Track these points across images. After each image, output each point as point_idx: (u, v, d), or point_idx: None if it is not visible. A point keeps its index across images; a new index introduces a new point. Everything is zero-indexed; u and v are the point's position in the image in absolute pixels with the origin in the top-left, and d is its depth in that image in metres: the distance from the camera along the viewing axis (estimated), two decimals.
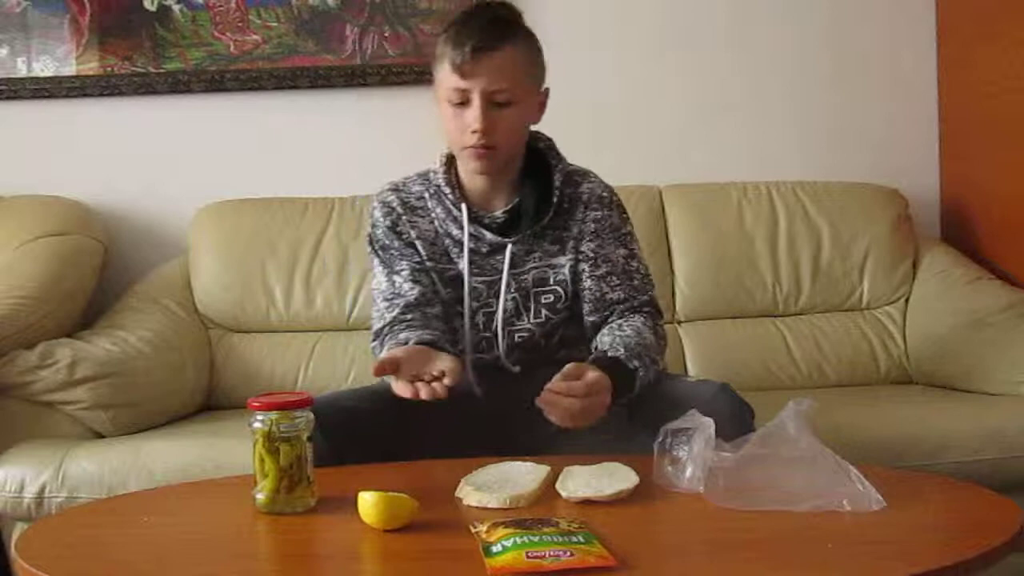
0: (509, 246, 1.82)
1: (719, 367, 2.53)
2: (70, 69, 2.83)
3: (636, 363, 1.68)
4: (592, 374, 1.59)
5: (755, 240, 2.69)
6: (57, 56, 2.84)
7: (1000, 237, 2.70)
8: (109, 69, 2.84)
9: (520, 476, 1.48)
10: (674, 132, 2.91)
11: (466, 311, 1.82)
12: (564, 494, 1.43)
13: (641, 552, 1.24)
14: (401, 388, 1.56)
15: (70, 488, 2.07)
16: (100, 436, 2.26)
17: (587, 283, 1.83)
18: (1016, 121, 2.56)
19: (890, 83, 2.92)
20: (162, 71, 2.84)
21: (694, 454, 1.43)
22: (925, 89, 2.92)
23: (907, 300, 2.68)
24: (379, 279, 1.86)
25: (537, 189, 1.84)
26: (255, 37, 2.85)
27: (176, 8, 2.83)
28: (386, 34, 2.86)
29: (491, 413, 1.76)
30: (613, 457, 1.54)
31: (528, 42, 1.80)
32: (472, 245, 1.82)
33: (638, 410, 1.68)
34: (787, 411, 1.43)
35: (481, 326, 1.84)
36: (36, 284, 2.42)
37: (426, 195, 1.87)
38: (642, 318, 1.79)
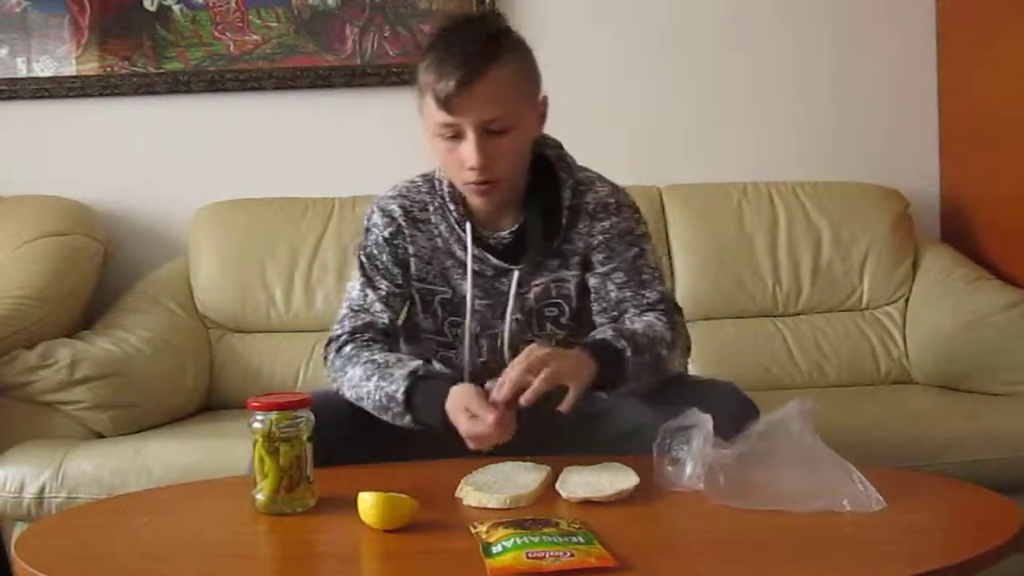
0: (516, 272, 1.73)
1: (719, 367, 2.53)
2: (70, 69, 2.84)
3: (623, 343, 1.59)
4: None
5: (755, 240, 2.69)
6: (57, 56, 2.84)
7: (1000, 237, 2.69)
8: (109, 69, 2.84)
9: (520, 476, 1.48)
10: (674, 132, 2.91)
11: (467, 336, 1.76)
12: (564, 494, 1.43)
13: (641, 552, 1.24)
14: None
15: (70, 488, 2.07)
16: (100, 436, 2.26)
17: (592, 281, 1.74)
18: (1016, 121, 2.56)
19: (890, 83, 2.92)
20: (162, 71, 2.84)
21: (694, 451, 1.43)
22: (925, 89, 2.92)
23: (907, 300, 2.68)
24: (354, 284, 1.78)
25: (544, 205, 1.73)
26: (255, 37, 2.85)
27: (176, 8, 2.83)
28: (386, 34, 2.86)
29: None
30: (613, 457, 1.54)
31: (517, 55, 1.66)
32: (476, 268, 1.74)
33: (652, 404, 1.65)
34: (789, 410, 1.43)
35: (480, 351, 1.76)
36: (36, 284, 2.42)
37: (431, 207, 1.76)
38: (655, 315, 1.68)
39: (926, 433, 2.11)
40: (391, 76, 2.85)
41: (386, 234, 1.76)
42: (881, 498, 1.34)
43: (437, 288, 1.77)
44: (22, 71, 2.84)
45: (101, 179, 2.85)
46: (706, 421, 1.43)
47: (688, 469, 1.43)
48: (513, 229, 1.75)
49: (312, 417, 1.45)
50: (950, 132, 2.89)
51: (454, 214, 1.74)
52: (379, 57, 2.86)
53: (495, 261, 1.74)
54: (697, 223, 2.69)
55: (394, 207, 1.77)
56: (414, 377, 1.61)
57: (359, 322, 1.74)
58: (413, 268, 1.76)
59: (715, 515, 1.36)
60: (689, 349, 1.79)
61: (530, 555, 1.17)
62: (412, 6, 2.85)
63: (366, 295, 1.75)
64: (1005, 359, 2.34)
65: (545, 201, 1.74)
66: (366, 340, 1.72)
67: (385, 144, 2.86)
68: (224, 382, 2.59)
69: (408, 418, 1.61)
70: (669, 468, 1.45)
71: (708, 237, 2.68)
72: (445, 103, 1.60)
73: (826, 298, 2.68)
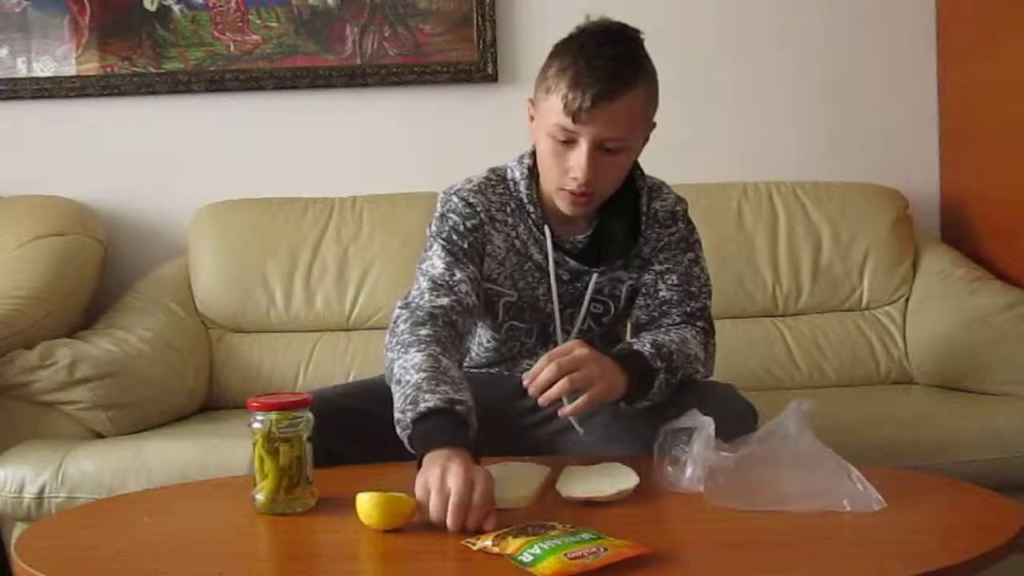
0: (595, 276, 1.73)
1: (719, 367, 2.51)
2: (70, 69, 2.84)
3: (659, 363, 1.60)
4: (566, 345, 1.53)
5: (755, 240, 2.69)
6: (57, 56, 2.84)
7: (1000, 237, 2.69)
8: (109, 69, 2.84)
9: (520, 476, 1.48)
10: (674, 132, 2.89)
11: (559, 334, 1.74)
12: (564, 494, 1.43)
13: None
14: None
15: (70, 488, 2.07)
16: (100, 436, 2.26)
17: (646, 277, 1.76)
18: (1016, 122, 2.56)
19: (890, 83, 2.92)
20: (162, 71, 2.84)
21: (694, 454, 1.43)
22: (925, 89, 2.92)
23: (907, 300, 2.68)
24: (434, 262, 1.69)
25: (621, 211, 1.74)
26: (255, 37, 2.85)
27: (176, 8, 2.83)
28: (386, 34, 2.85)
29: (490, 413, 1.74)
30: (613, 457, 1.54)
31: (648, 80, 1.66)
32: (554, 270, 1.74)
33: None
34: (788, 411, 1.43)
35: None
36: (36, 284, 2.42)
37: (507, 208, 1.74)
38: (693, 331, 1.71)
39: (926, 433, 2.10)
40: (391, 76, 2.85)
41: (469, 224, 1.72)
42: (881, 498, 1.34)
43: (504, 290, 1.76)
44: (22, 71, 2.84)
45: (101, 179, 2.85)
46: (707, 424, 1.43)
47: (688, 471, 1.43)
48: (589, 233, 1.76)
49: (312, 417, 1.45)
50: (950, 132, 2.89)
51: (533, 216, 1.74)
52: (379, 57, 2.85)
53: (573, 264, 1.74)
54: (697, 223, 2.68)
55: (475, 200, 1.74)
56: (449, 405, 1.47)
57: (443, 299, 1.64)
58: (485, 266, 1.74)
59: (715, 515, 1.36)
60: (711, 371, 1.79)
61: (570, 555, 1.16)
62: (412, 6, 2.84)
63: (453, 273, 1.67)
64: (1005, 359, 2.34)
65: (621, 206, 1.75)
66: (445, 336, 1.60)
67: (385, 144, 2.87)
68: (224, 382, 2.59)
69: (408, 432, 1.51)
70: (669, 469, 1.45)
71: (708, 237, 2.62)
72: (574, 113, 1.59)
73: (826, 298, 2.68)
